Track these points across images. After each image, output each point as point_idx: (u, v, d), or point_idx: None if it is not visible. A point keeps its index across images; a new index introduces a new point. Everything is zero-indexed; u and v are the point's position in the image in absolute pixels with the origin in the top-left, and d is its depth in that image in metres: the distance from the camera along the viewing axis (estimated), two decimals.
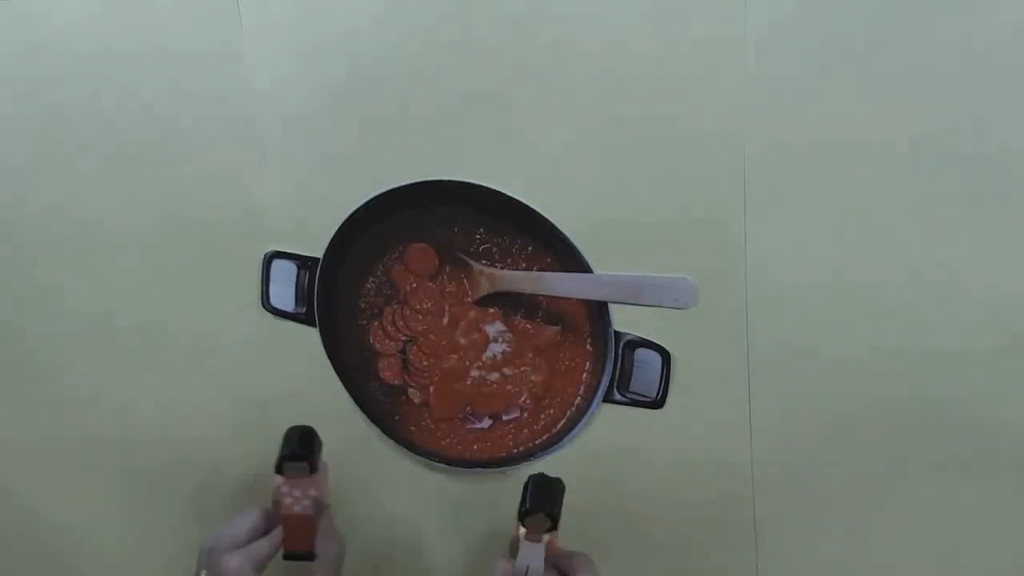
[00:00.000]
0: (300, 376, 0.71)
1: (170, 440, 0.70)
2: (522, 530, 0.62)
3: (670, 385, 0.66)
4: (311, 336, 0.71)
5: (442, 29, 0.61)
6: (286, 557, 0.68)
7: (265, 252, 0.70)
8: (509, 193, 0.64)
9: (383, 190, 0.66)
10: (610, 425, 0.67)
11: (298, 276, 0.70)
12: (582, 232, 0.64)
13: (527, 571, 0.63)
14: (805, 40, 0.57)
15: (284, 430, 0.73)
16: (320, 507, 0.67)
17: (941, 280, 0.59)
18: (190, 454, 0.76)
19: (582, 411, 0.68)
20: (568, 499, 0.68)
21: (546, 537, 0.62)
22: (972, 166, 0.57)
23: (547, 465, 0.69)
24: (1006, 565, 0.65)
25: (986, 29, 0.54)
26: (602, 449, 0.68)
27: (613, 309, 0.65)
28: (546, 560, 0.61)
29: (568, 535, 0.70)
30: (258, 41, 0.65)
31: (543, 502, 0.62)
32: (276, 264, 0.70)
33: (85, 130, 0.69)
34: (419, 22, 0.62)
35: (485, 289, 0.67)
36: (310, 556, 0.68)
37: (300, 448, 0.66)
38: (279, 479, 0.65)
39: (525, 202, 0.64)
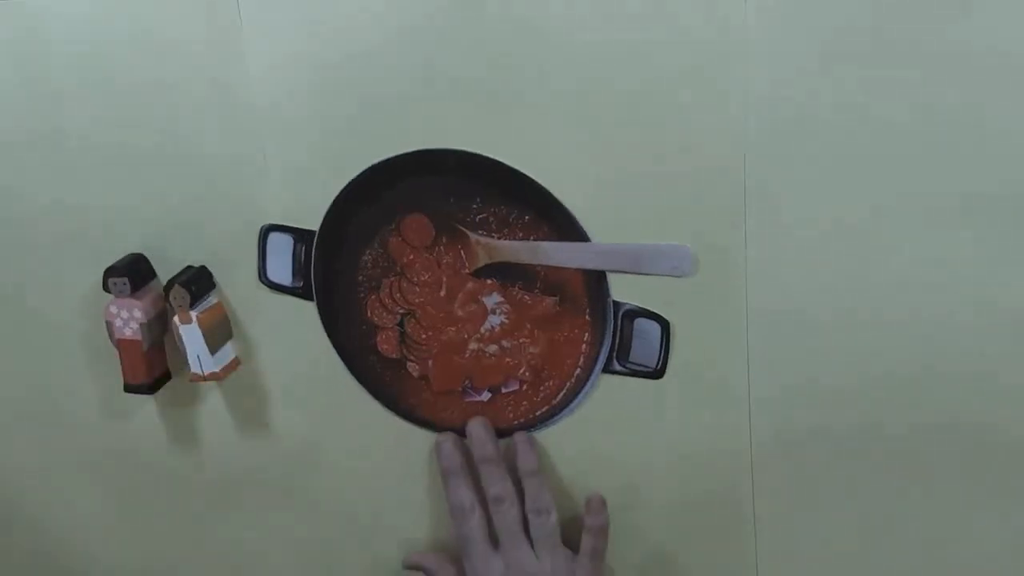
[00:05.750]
0: (298, 351, 0.71)
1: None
2: (175, 319, 0.68)
3: (670, 354, 0.65)
4: (308, 310, 0.70)
5: (443, 18, 0.61)
6: (127, 390, 0.71)
7: (261, 225, 0.69)
8: (506, 162, 0.63)
9: (378, 160, 0.65)
10: (610, 396, 0.67)
11: (294, 249, 0.69)
12: (580, 200, 0.63)
13: (199, 361, 0.68)
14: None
15: (283, 410, 0.73)
16: (151, 335, 0.69)
17: (947, 269, 0.59)
18: (185, 429, 0.76)
19: (581, 382, 0.67)
20: (568, 473, 0.69)
21: (194, 314, 0.66)
22: (981, 160, 0.57)
23: (547, 437, 0.69)
24: (1007, 562, 0.65)
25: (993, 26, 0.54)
26: (602, 420, 0.67)
27: (611, 279, 0.64)
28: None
29: (571, 511, 0.70)
30: (257, 32, 0.64)
31: (179, 278, 0.68)
32: (272, 237, 0.69)
33: (83, 125, 0.69)
34: (420, 10, 0.61)
35: (482, 260, 0.66)
36: (148, 389, 0.70)
37: (123, 265, 0.69)
38: (108, 299, 0.69)
39: (522, 170, 0.63)
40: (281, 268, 0.69)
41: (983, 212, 0.57)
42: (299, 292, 0.69)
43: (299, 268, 0.69)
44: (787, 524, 0.67)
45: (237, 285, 0.71)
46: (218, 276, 0.71)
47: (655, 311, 0.64)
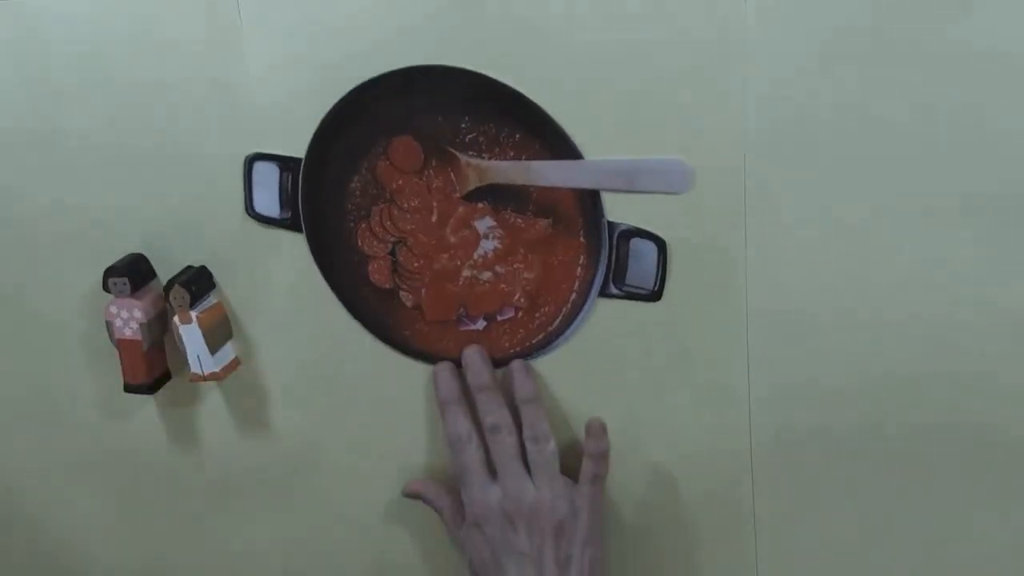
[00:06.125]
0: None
1: None
2: (175, 319, 0.68)
3: (667, 276, 0.63)
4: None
5: (443, 18, 0.61)
6: (127, 390, 0.71)
7: (246, 155, 0.67)
8: (494, 76, 0.61)
9: (363, 80, 0.63)
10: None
11: (281, 179, 0.67)
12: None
13: (199, 361, 0.68)
14: None
15: (283, 410, 0.73)
16: (151, 335, 0.70)
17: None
18: (185, 429, 0.77)
19: (577, 307, 0.65)
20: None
21: (194, 314, 0.67)
22: (981, 160, 0.57)
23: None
24: (1007, 562, 0.65)
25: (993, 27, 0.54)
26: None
27: (606, 198, 0.62)
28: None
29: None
30: (257, 32, 0.64)
31: (178, 278, 0.68)
32: (257, 166, 0.67)
33: (83, 125, 0.69)
34: (420, 10, 0.61)
35: (473, 182, 0.64)
36: (148, 389, 0.71)
37: (123, 265, 0.69)
38: (108, 298, 0.70)
39: (512, 85, 0.61)
40: (268, 199, 0.67)
41: (983, 212, 0.57)
42: (287, 223, 0.68)
43: (286, 198, 0.67)
44: (787, 524, 0.67)
45: (237, 285, 0.71)
46: (218, 276, 0.71)
47: (651, 231, 0.62)
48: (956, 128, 0.56)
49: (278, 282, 0.70)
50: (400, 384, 0.71)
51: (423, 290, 0.68)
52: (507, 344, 0.68)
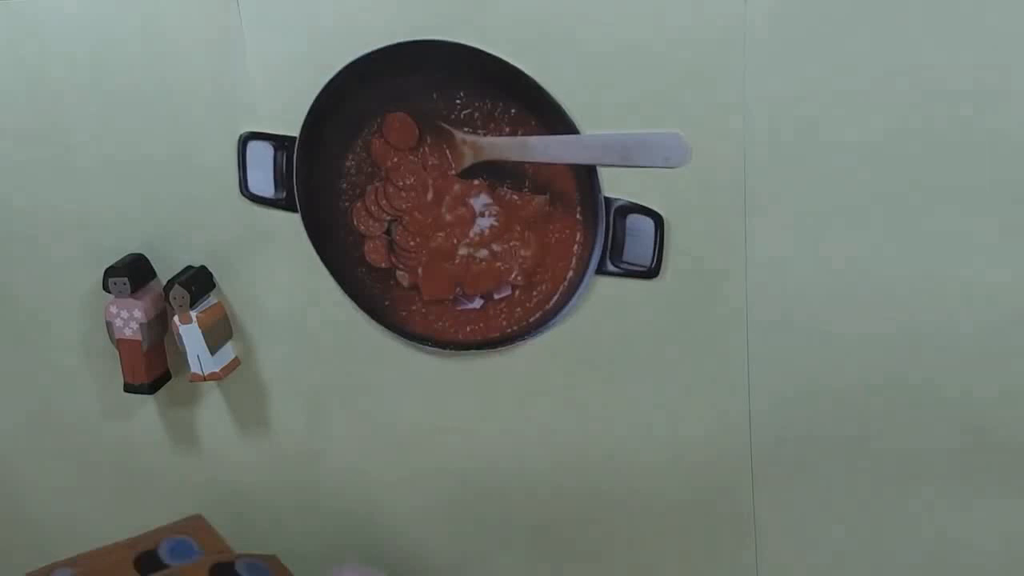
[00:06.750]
0: (287, 272, 0.70)
1: None
2: (175, 319, 0.69)
3: (664, 252, 0.62)
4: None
5: (443, 19, 0.61)
6: (126, 390, 0.72)
7: (240, 134, 0.66)
8: (489, 51, 0.60)
9: (356, 56, 0.62)
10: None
11: (275, 158, 0.66)
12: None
13: (199, 361, 0.69)
14: None
15: (283, 410, 0.73)
16: (151, 335, 0.70)
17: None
18: (185, 429, 0.77)
19: (575, 285, 0.65)
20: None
21: (194, 314, 0.67)
22: (981, 161, 0.57)
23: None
24: (1007, 561, 0.65)
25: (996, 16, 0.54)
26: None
27: (602, 173, 0.62)
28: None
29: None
30: (257, 32, 0.64)
31: (178, 278, 0.69)
32: (252, 146, 0.66)
33: (83, 126, 0.69)
34: (420, 11, 0.61)
35: (468, 159, 0.64)
36: (148, 389, 0.72)
37: (123, 265, 0.70)
38: (108, 298, 0.70)
39: (507, 59, 0.60)
40: (262, 179, 0.67)
41: (983, 212, 0.57)
42: (282, 204, 0.67)
43: (281, 178, 0.66)
44: (787, 524, 0.67)
45: (237, 285, 0.71)
46: (218, 276, 0.71)
47: (648, 206, 0.61)
48: (956, 128, 0.56)
49: (277, 272, 0.70)
50: (400, 378, 0.71)
51: (420, 269, 0.67)
52: (504, 323, 0.67)
